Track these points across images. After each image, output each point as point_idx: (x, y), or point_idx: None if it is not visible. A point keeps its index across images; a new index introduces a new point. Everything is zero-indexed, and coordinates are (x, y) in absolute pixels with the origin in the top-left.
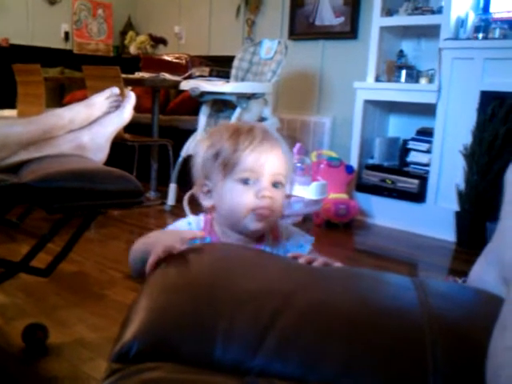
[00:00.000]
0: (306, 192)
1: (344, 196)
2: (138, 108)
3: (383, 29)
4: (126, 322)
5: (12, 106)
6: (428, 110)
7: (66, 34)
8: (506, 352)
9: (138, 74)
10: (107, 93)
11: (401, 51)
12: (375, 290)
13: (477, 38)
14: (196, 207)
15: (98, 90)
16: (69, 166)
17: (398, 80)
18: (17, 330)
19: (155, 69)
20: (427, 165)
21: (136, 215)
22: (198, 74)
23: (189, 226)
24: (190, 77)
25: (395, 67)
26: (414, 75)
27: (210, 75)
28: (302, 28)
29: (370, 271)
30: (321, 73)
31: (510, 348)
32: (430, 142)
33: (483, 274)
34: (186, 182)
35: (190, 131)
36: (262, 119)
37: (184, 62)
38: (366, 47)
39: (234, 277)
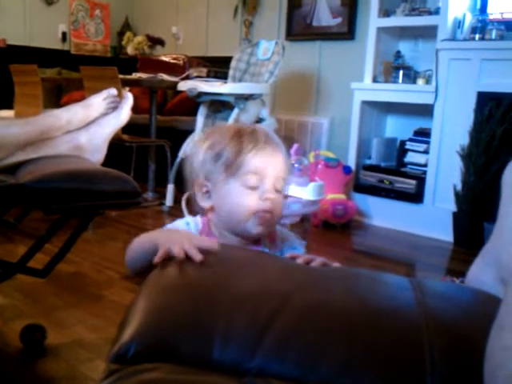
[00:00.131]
0: (304, 193)
1: (342, 196)
2: (135, 109)
3: (380, 29)
4: (123, 323)
5: (9, 106)
6: (425, 110)
7: (64, 34)
8: (503, 352)
9: (136, 75)
10: (105, 94)
11: (398, 52)
12: (373, 291)
13: (474, 39)
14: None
15: (96, 90)
16: (66, 167)
17: (395, 81)
18: (15, 330)
19: (153, 69)
20: (425, 165)
21: (134, 216)
22: (195, 74)
23: (187, 226)
24: (187, 77)
25: (392, 68)
26: (411, 76)
27: (208, 76)
28: (300, 29)
29: (368, 271)
30: (318, 73)
31: (508, 348)
32: (427, 142)
33: (481, 274)
34: (183, 182)
35: (187, 132)
36: (259, 120)
37: (181, 62)
38: (364, 48)
39: (232, 277)
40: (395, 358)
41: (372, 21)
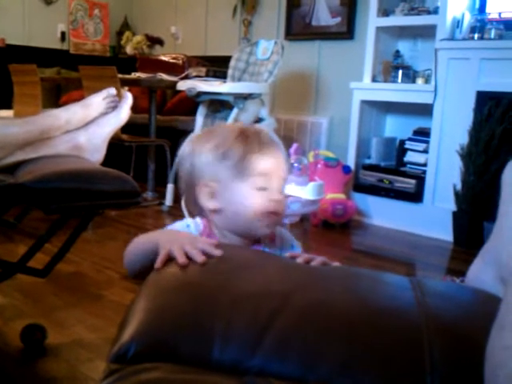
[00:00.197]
0: (303, 192)
1: (341, 196)
2: (134, 108)
3: (379, 29)
4: (123, 323)
5: (8, 106)
6: (424, 110)
7: (63, 34)
8: (503, 351)
9: (135, 75)
10: (104, 93)
11: (397, 51)
12: (373, 290)
13: (473, 39)
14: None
15: (95, 90)
16: (66, 167)
17: (394, 80)
18: (15, 330)
19: (152, 69)
20: (424, 165)
21: (133, 216)
22: (194, 74)
23: (187, 228)
24: (186, 77)
25: (391, 67)
26: (410, 75)
27: (207, 75)
28: (299, 28)
29: (368, 271)
30: (317, 73)
31: (508, 347)
32: (426, 142)
33: (481, 273)
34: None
35: (187, 131)
36: (258, 119)
37: (181, 62)
38: (363, 47)
39: (232, 277)
40: (395, 357)
41: (371, 20)
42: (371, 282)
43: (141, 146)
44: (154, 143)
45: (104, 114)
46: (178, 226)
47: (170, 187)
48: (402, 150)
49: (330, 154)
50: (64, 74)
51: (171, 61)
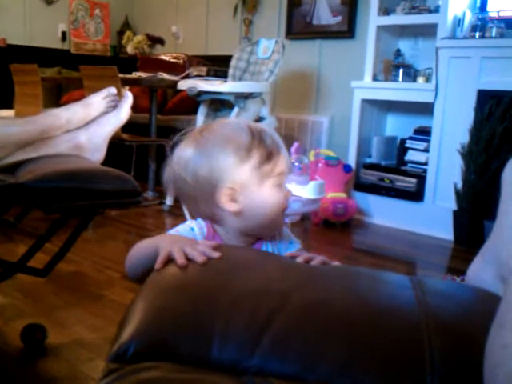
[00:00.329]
0: (304, 191)
1: (342, 195)
2: (135, 108)
3: (380, 28)
4: (123, 323)
5: (9, 106)
6: (425, 108)
7: (63, 33)
8: (503, 350)
9: (136, 74)
10: (104, 93)
11: (398, 50)
12: (373, 289)
13: (474, 37)
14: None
15: (96, 89)
16: (66, 166)
17: (395, 79)
18: (15, 330)
19: (152, 68)
20: (425, 164)
21: (134, 215)
22: (195, 73)
23: (192, 231)
24: (187, 76)
25: (392, 66)
26: (411, 74)
27: (208, 75)
28: (300, 27)
29: (368, 270)
30: (318, 72)
31: (507, 346)
32: (427, 140)
33: (481, 272)
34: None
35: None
36: (259, 119)
37: (181, 61)
38: (364, 46)
39: (231, 277)
40: (395, 357)
41: (372, 19)
42: (371, 281)
43: (141, 145)
44: (155, 143)
45: (104, 113)
46: (181, 229)
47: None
48: (403, 149)
49: (331, 153)
50: (65, 74)
51: (172, 60)
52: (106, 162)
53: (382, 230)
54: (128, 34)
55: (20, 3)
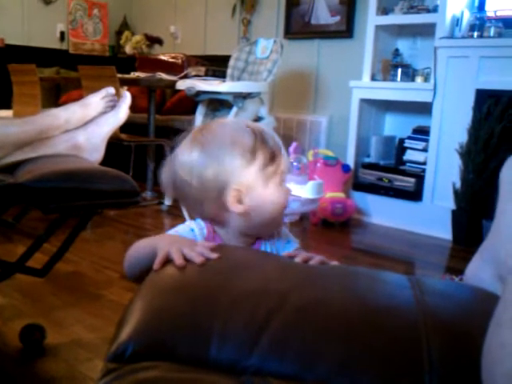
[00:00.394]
0: (303, 191)
1: (341, 195)
2: (133, 108)
3: (379, 28)
4: (121, 323)
5: (7, 106)
6: (424, 108)
7: (62, 33)
8: (500, 349)
9: (134, 74)
10: (103, 93)
11: (396, 50)
12: (371, 289)
13: (472, 37)
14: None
15: (94, 89)
16: (64, 166)
17: (393, 79)
18: (14, 330)
19: (151, 68)
20: (423, 163)
21: (132, 215)
22: (193, 73)
23: (192, 232)
24: (185, 76)
25: (391, 66)
26: (409, 74)
27: (206, 75)
28: (298, 27)
29: (366, 269)
30: (317, 72)
31: (505, 345)
32: (426, 140)
33: (479, 271)
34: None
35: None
36: (258, 118)
37: (180, 61)
38: (362, 46)
39: (230, 277)
40: (393, 356)
41: (370, 19)
42: (369, 281)
43: (140, 145)
44: (153, 143)
45: (103, 113)
46: (181, 229)
47: None
48: (402, 149)
49: (330, 153)
50: (63, 74)
51: (170, 60)
52: (105, 162)
53: (380, 230)
54: (126, 33)
55: (18, 3)
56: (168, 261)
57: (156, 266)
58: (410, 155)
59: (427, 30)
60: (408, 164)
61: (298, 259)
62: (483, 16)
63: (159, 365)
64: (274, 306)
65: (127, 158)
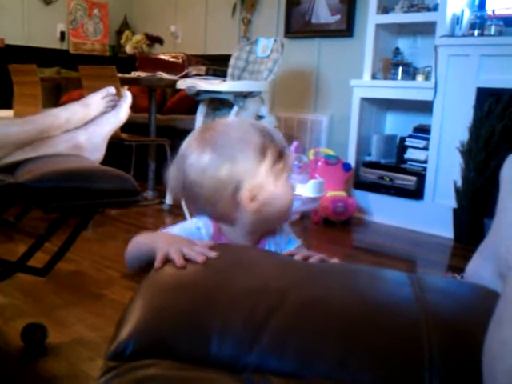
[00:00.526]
0: (304, 190)
1: (342, 193)
2: (134, 107)
3: (379, 26)
4: (121, 321)
5: (8, 106)
6: (425, 107)
7: (62, 33)
8: (501, 346)
9: (135, 74)
10: (103, 92)
11: (397, 49)
12: (371, 286)
13: (472, 35)
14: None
15: (95, 89)
16: (65, 166)
17: (394, 77)
18: (15, 329)
19: (151, 68)
20: (424, 162)
21: (134, 214)
22: (194, 72)
23: (198, 231)
24: (186, 76)
25: (391, 65)
26: (410, 72)
27: (207, 74)
28: (298, 26)
29: (367, 267)
30: (317, 71)
31: (506, 342)
32: (427, 139)
33: (479, 269)
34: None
35: (187, 130)
36: (258, 118)
37: (180, 61)
38: (362, 45)
39: (230, 275)
40: (393, 354)
41: (370, 18)
42: (369, 279)
43: (141, 145)
44: (154, 142)
45: (103, 113)
46: (187, 227)
47: None
48: (403, 147)
49: (331, 152)
50: (64, 74)
51: (171, 60)
52: (106, 161)
53: (381, 229)
54: (127, 33)
55: (18, 3)
56: (167, 261)
57: (156, 267)
58: (410, 154)
59: (428, 29)
60: (409, 162)
61: (297, 257)
62: (484, 14)
63: (159, 363)
64: (274, 303)
65: (128, 158)
